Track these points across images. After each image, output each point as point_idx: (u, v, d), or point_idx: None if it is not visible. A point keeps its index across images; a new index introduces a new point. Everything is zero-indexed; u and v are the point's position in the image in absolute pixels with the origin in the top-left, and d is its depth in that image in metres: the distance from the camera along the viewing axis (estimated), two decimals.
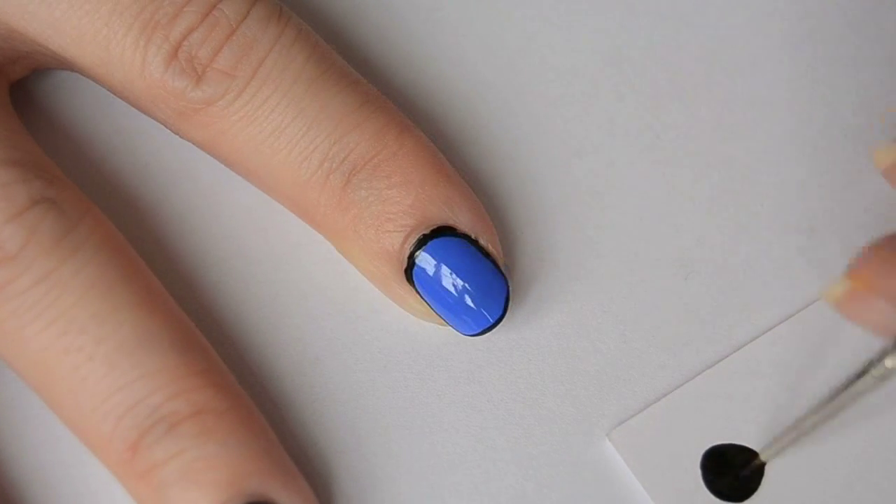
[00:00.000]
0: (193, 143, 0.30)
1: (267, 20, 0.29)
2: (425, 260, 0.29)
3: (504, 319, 0.29)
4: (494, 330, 0.29)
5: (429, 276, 0.29)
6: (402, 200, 0.29)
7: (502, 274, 0.29)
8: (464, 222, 0.29)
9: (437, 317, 0.30)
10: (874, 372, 0.25)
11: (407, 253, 0.29)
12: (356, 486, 0.29)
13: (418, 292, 0.29)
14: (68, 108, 0.32)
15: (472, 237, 0.29)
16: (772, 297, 0.31)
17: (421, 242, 0.29)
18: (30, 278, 0.26)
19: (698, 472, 0.29)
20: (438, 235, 0.29)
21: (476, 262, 0.29)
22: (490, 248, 0.29)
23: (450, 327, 0.30)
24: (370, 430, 0.30)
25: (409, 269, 0.29)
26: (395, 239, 0.29)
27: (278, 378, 0.30)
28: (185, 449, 0.26)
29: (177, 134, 0.30)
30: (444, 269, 0.29)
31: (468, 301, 0.29)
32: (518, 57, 0.33)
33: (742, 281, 0.32)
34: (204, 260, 0.31)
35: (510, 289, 0.30)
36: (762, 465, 0.30)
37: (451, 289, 0.29)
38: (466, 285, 0.29)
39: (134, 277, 0.28)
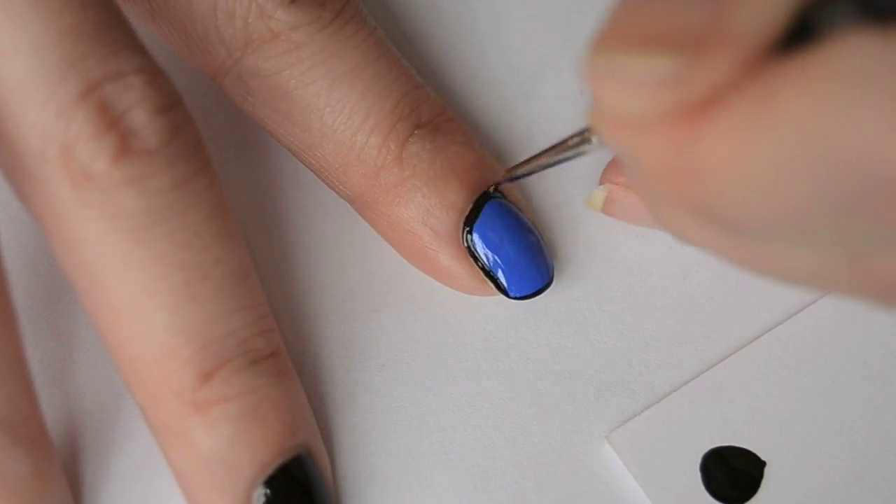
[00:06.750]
0: (260, 72, 0.29)
1: None
2: (490, 211, 0.29)
3: (503, 319, 0.29)
4: (493, 329, 0.29)
5: (495, 226, 0.29)
6: (466, 156, 0.30)
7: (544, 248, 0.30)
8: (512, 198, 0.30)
9: (481, 279, 0.30)
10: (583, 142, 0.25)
11: (471, 206, 0.29)
12: (355, 485, 0.29)
13: (472, 248, 0.29)
14: None
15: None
16: (771, 297, 0.31)
17: (482, 198, 0.29)
18: (169, 179, 0.25)
19: (697, 475, 0.29)
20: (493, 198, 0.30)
21: (527, 229, 0.30)
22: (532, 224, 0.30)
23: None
24: (368, 430, 0.30)
25: (470, 223, 0.29)
26: (459, 193, 0.29)
27: None
28: (261, 386, 0.26)
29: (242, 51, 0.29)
30: (509, 222, 0.30)
31: (528, 255, 0.29)
32: (518, 57, 0.33)
33: (741, 281, 0.32)
34: None
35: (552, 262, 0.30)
36: (762, 465, 0.30)
37: (513, 243, 0.29)
38: (530, 236, 0.30)
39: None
